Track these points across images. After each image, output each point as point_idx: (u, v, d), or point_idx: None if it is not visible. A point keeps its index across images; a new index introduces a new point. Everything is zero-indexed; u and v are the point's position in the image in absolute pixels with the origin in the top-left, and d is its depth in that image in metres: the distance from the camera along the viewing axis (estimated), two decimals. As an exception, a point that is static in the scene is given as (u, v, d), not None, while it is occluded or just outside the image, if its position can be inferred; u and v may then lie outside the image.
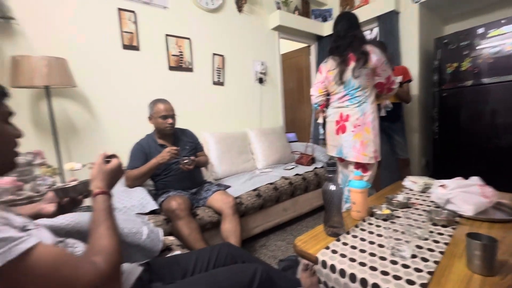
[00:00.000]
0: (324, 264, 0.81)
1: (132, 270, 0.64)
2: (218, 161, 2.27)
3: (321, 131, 2.19)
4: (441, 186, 1.18)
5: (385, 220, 1.06)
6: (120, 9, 1.96)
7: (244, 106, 2.83)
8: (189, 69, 2.37)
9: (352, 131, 1.56)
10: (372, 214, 1.11)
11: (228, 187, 1.93)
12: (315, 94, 1.79)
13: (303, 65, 3.66)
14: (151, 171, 1.51)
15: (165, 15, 2.20)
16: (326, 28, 3.35)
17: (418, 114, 2.72)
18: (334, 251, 0.85)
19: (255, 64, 2.88)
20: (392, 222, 1.04)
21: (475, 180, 1.16)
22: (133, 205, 1.34)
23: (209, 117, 2.55)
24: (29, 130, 1.66)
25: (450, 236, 0.90)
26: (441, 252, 0.80)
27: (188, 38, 2.34)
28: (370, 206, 1.15)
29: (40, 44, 1.67)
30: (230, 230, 1.45)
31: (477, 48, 2.29)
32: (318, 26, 3.33)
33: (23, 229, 0.46)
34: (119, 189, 1.47)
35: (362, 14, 2.65)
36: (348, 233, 0.97)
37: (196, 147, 1.82)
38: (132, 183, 1.51)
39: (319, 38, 3.44)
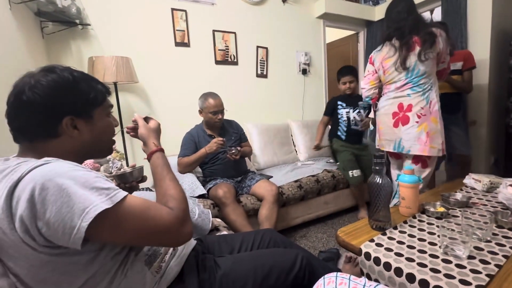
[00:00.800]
0: (367, 256, 0.80)
1: (188, 242, 0.73)
2: (260, 152, 2.34)
3: (371, 127, 2.07)
4: (510, 185, 1.05)
5: (439, 218, 0.99)
6: (173, 9, 2.12)
7: (286, 98, 2.83)
8: (234, 63, 2.46)
9: (416, 122, 1.44)
10: (423, 212, 1.05)
11: (270, 177, 1.98)
12: (367, 87, 1.68)
13: (351, 54, 3.47)
14: (200, 160, 1.64)
15: (212, 11, 2.31)
16: (378, 12, 3.10)
17: (488, 104, 2.37)
18: (379, 244, 0.83)
19: (299, 55, 2.84)
20: (448, 221, 0.96)
21: (558, 180, 0.99)
22: (184, 188, 1.48)
23: (253, 108, 2.62)
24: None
25: (519, 240, 0.81)
26: (505, 256, 0.73)
27: (233, 32, 2.41)
28: (422, 203, 1.08)
29: (110, 45, 1.92)
30: (266, 215, 1.51)
31: None
32: (369, 11, 3.11)
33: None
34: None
35: (421, -7, 2.39)
36: (395, 228, 0.93)
37: (240, 138, 1.90)
38: (184, 170, 1.67)
39: (368, 24, 3.21)
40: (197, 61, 2.29)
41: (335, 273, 0.59)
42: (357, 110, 2.06)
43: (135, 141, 2.05)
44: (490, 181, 1.27)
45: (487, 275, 0.65)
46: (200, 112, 1.74)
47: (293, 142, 2.60)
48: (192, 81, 2.27)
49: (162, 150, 0.69)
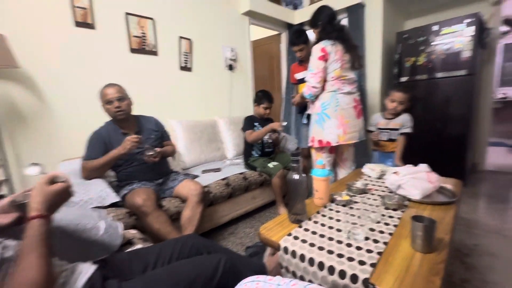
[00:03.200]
0: (286, 250, 0.84)
1: (82, 270, 0.60)
2: (186, 150, 2.22)
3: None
4: (394, 173, 1.29)
5: (344, 205, 1.13)
6: (70, -19, 1.74)
7: (213, 93, 2.76)
8: (153, 53, 2.23)
9: (361, 115, 1.77)
10: (333, 201, 1.18)
11: (196, 176, 1.90)
12: (318, 85, 1.64)
13: (274, 53, 3.64)
14: (112, 162, 1.42)
15: (124, -9, 2.02)
16: (297, 16, 3.35)
17: (380, 104, 2.89)
18: (296, 237, 0.88)
19: (225, 50, 2.80)
20: (351, 208, 1.11)
21: (423, 167, 1.27)
22: (90, 198, 1.26)
23: (176, 104, 2.45)
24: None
25: (399, 218, 0.99)
26: (390, 234, 0.88)
27: (151, 19, 2.18)
28: (332, 193, 1.22)
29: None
30: (189, 217, 1.44)
31: (431, 44, 2.46)
32: (289, 14, 3.31)
33: None
34: (75, 182, 1.36)
35: (331, 4, 2.67)
36: (310, 219, 1.02)
37: (162, 136, 1.74)
38: (89, 174, 1.41)
39: (289, 27, 3.43)
40: (106, 47, 1.96)
41: (252, 277, 0.58)
42: (270, 134, 2.16)
43: (22, 146, 1.63)
44: (381, 169, 1.54)
45: (377, 252, 0.77)
46: (102, 107, 1.51)
47: (221, 139, 2.57)
48: (101, 70, 1.94)
49: (44, 217, 0.54)
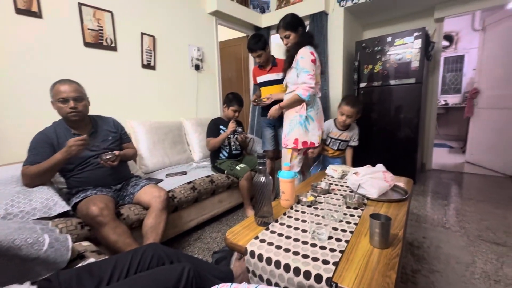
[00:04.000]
0: (252, 254, 0.83)
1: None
2: (148, 153, 2.09)
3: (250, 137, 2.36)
4: (354, 173, 1.36)
5: (309, 206, 1.16)
6: (10, -38, 1.54)
7: (178, 94, 2.66)
8: (112, 48, 2.07)
9: None
10: (299, 202, 1.20)
11: (160, 181, 1.80)
12: (314, 87, 1.65)
13: (242, 55, 3.64)
14: (56, 167, 1.27)
15: (77, -21, 1.84)
16: (264, 20, 3.39)
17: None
18: (262, 240, 0.88)
19: (191, 49, 2.72)
20: (315, 208, 1.14)
21: (379, 167, 1.36)
22: (34, 209, 1.11)
23: (138, 104, 2.30)
24: None
25: (359, 217, 1.05)
26: (351, 232, 0.92)
27: (109, 11, 2.02)
28: (298, 194, 1.24)
29: None
30: (152, 225, 1.35)
31: (386, 53, 2.68)
32: (256, 17, 3.34)
33: None
34: (14, 190, 1.19)
35: (297, 11, 2.77)
36: (277, 221, 1.02)
37: (121, 138, 1.62)
38: (31, 182, 1.25)
39: (257, 30, 3.46)
40: (56, 39, 1.77)
41: (217, 286, 0.56)
42: (236, 136, 2.17)
43: None
44: (342, 170, 1.62)
45: (340, 251, 0.80)
46: (52, 103, 1.35)
47: (187, 142, 2.48)
48: (50, 65, 1.74)
49: None
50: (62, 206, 1.18)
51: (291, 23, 1.73)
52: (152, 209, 1.40)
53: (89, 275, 0.69)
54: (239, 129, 2.10)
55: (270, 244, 0.86)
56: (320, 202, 1.20)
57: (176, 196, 1.63)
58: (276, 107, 1.82)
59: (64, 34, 1.81)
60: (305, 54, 1.66)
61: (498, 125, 2.99)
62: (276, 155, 2.36)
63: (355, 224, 0.98)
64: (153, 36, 2.34)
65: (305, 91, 1.64)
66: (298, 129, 1.73)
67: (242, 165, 2.04)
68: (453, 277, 1.26)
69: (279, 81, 2.15)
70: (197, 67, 2.79)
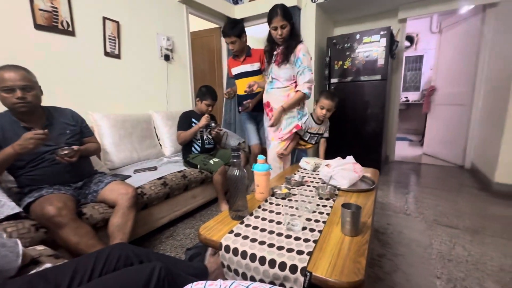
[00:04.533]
0: (227, 248, 0.81)
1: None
2: (114, 148, 1.96)
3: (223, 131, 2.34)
4: (326, 165, 1.40)
5: (283, 198, 1.17)
6: None
7: (147, 86, 2.51)
8: (69, 32, 1.88)
9: None
10: (273, 194, 1.21)
11: (127, 177, 1.70)
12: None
13: (215, 47, 3.55)
14: (6, 163, 1.13)
15: (24, -49, 1.63)
16: (238, 11, 3.32)
17: (314, 103, 3.13)
18: (237, 234, 0.86)
19: (160, 38, 2.57)
20: (289, 200, 1.16)
21: (349, 159, 1.42)
22: (-24, 211, 0.97)
23: (101, 95, 2.13)
24: None
25: (331, 207, 1.08)
26: (324, 222, 0.95)
27: (65, -9, 1.82)
28: (272, 187, 1.24)
29: None
30: (118, 225, 1.27)
31: (355, 50, 2.79)
32: (229, 7, 3.26)
33: None
34: (-50, 191, 1.03)
35: (270, 3, 2.74)
36: (251, 214, 1.01)
37: (81, 132, 1.48)
38: (-27, 181, 1.10)
39: (230, 21, 3.38)
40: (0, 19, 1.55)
41: (190, 284, 0.53)
42: (209, 130, 2.11)
43: None
44: (315, 162, 1.66)
45: (313, 241, 0.81)
46: None
47: (157, 136, 2.37)
48: (-9, 48, 1.53)
49: None
50: (11, 208, 1.05)
51: (288, 13, 1.68)
52: (118, 207, 1.31)
53: (44, 282, 0.62)
54: (213, 124, 2.04)
55: (245, 237, 0.85)
56: (294, 194, 1.22)
57: (146, 193, 1.54)
58: (280, 109, 1.76)
59: (11, 14, 1.60)
60: (306, 51, 1.70)
61: (450, 120, 3.29)
62: (260, 150, 2.27)
63: (328, 214, 1.01)
64: (117, 22, 2.17)
65: (310, 90, 1.73)
66: (295, 122, 1.82)
67: (215, 159, 2.00)
68: (414, 259, 1.36)
69: (255, 72, 2.11)
70: (166, 58, 2.65)
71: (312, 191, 1.26)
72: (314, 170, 1.62)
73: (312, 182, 1.41)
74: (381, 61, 2.65)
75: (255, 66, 2.10)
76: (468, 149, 3.02)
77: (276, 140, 1.86)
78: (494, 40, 2.60)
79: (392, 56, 2.83)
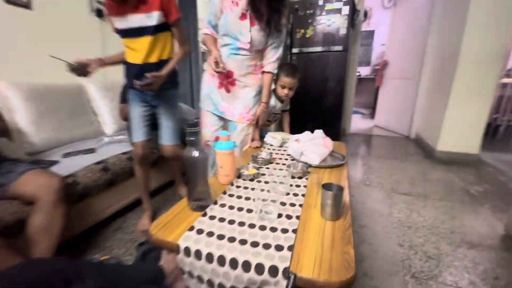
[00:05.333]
0: (187, 251, 0.64)
1: None
2: (33, 127, 1.54)
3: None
4: (295, 140, 1.28)
5: (252, 180, 1.02)
6: None
7: (75, 47, 2.01)
8: None
9: None
10: (240, 176, 1.05)
11: (53, 163, 1.35)
12: None
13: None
14: None
15: None
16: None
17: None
18: (200, 231, 0.69)
19: (87, -13, 2.04)
20: (258, 181, 1.02)
21: (319, 133, 1.32)
22: None
23: (6, 58, 1.62)
24: None
25: (305, 186, 0.97)
26: (300, 205, 0.83)
27: None
28: (238, 168, 1.08)
29: None
30: (43, 226, 0.99)
31: (317, 18, 2.64)
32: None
33: None
34: None
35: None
36: (216, 203, 0.85)
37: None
38: None
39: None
40: None
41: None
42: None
43: None
44: (282, 137, 1.53)
45: (293, 230, 0.69)
46: None
47: (94, 111, 1.95)
48: None
49: None
50: None
51: None
52: (40, 203, 1.01)
53: None
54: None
55: (210, 234, 0.68)
56: (263, 174, 1.08)
57: (80, 182, 1.24)
58: (264, 107, 1.46)
59: None
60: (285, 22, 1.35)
61: (399, 94, 3.49)
62: (146, 152, 1.43)
63: (303, 195, 0.90)
64: (19, -44, 1.61)
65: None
66: (257, 100, 1.50)
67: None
68: (377, 228, 1.39)
69: (151, 30, 1.26)
70: (99, 13, 2.14)
71: (282, 169, 1.14)
72: (281, 146, 1.50)
73: (281, 159, 1.29)
74: (343, 31, 2.57)
75: (154, 18, 1.24)
76: (414, 121, 3.27)
77: (244, 122, 1.49)
78: (443, 15, 2.72)
79: (353, 26, 2.77)
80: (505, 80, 3.03)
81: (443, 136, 2.40)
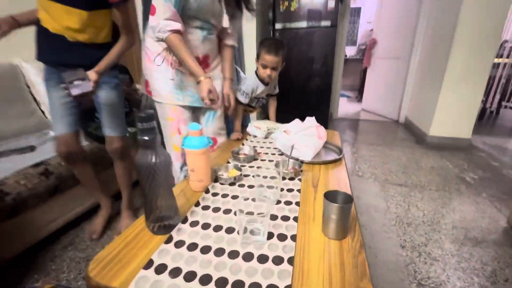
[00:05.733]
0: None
1: None
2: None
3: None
4: (284, 131, 1.08)
5: (232, 184, 0.82)
6: None
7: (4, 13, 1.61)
8: None
9: None
10: (217, 180, 0.84)
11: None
12: None
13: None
14: None
15: None
16: None
17: (255, 60, 2.68)
18: (160, 269, 0.48)
19: None
20: (241, 186, 0.81)
21: (311, 121, 1.13)
22: None
23: None
24: None
25: (298, 191, 0.78)
26: (295, 219, 0.64)
27: None
28: (215, 169, 0.87)
29: None
30: None
31: (303, -11, 2.37)
32: None
33: None
34: None
35: None
36: (185, 220, 0.63)
37: None
38: None
39: None
40: None
41: None
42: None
43: None
44: (267, 127, 1.32)
45: (288, 260, 0.50)
46: None
47: (34, 98, 1.61)
48: None
49: None
50: None
51: None
52: None
53: None
54: (122, 76, 1.41)
55: (175, 272, 0.47)
56: (246, 176, 0.87)
57: (10, 192, 0.97)
58: (230, 83, 1.20)
59: None
60: None
61: (388, 75, 3.36)
62: (72, 149, 1.14)
63: (297, 204, 0.71)
64: None
65: None
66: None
67: (133, 128, 1.47)
68: (375, 228, 1.26)
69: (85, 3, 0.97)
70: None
71: (269, 168, 0.94)
72: (266, 138, 1.30)
73: (267, 153, 1.08)
74: (331, 4, 2.33)
75: None
76: (404, 104, 3.17)
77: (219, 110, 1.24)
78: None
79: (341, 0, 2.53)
80: (495, 60, 2.97)
81: (436, 121, 2.31)
